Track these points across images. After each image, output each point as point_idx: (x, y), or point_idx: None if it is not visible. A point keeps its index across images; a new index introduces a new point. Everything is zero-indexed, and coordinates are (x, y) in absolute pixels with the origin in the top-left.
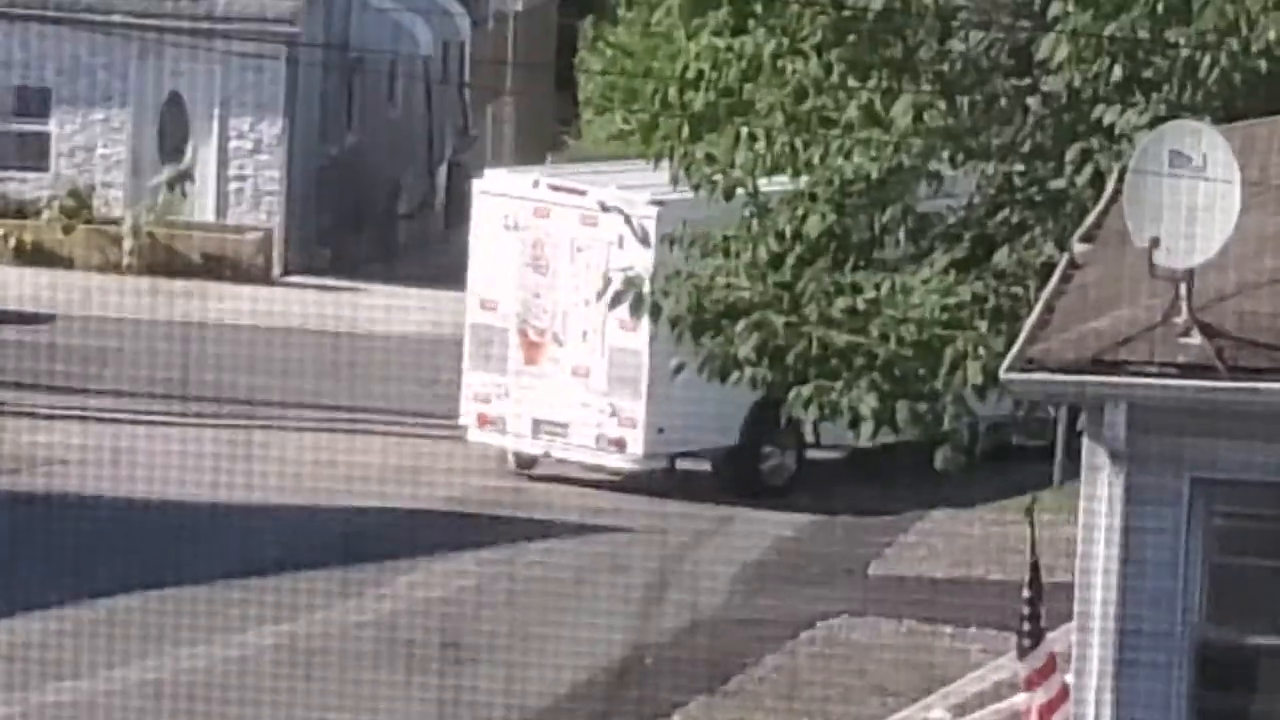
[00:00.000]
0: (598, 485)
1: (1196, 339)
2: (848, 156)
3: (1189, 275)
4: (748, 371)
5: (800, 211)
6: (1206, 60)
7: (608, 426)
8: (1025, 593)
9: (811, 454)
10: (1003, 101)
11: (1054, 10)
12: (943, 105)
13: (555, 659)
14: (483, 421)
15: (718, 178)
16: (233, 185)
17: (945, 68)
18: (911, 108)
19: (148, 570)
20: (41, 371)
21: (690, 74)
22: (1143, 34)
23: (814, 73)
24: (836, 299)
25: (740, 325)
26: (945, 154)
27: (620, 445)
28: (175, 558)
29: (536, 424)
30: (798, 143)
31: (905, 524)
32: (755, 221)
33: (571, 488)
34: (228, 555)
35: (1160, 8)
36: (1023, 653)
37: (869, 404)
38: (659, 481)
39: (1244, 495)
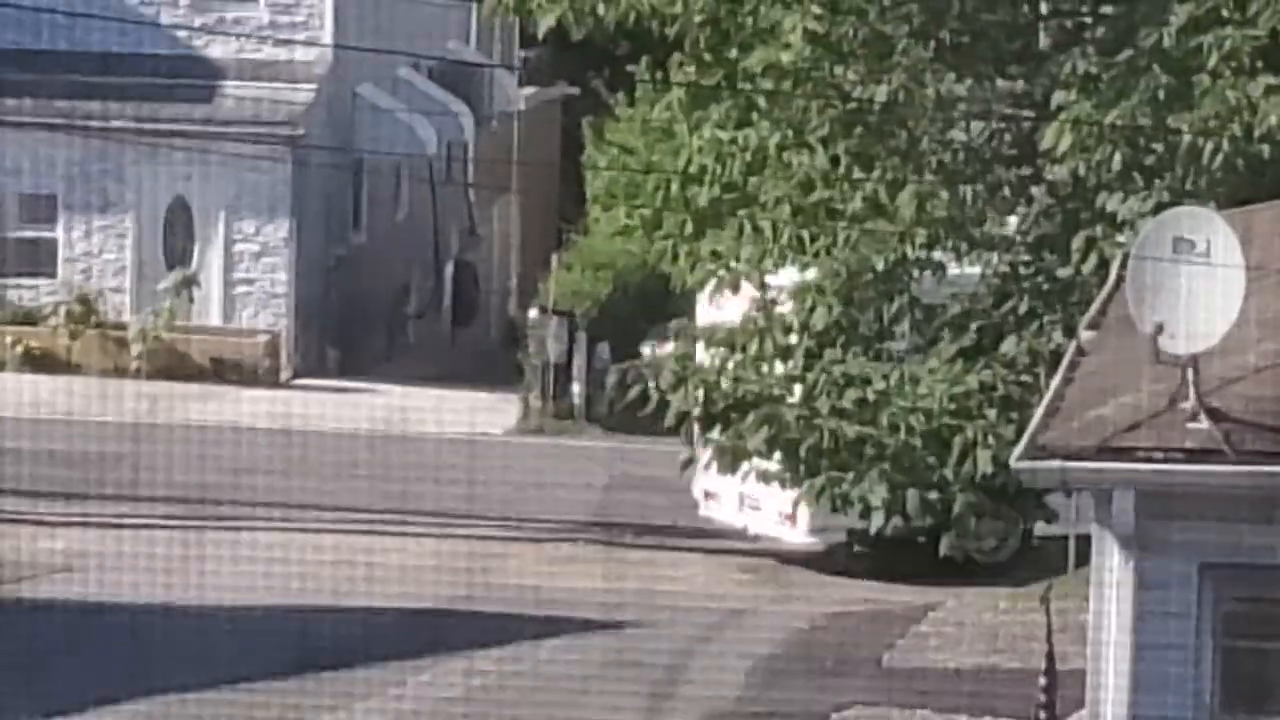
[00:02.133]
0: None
1: (1204, 424)
2: (854, 248)
3: (1195, 361)
4: (759, 464)
5: (808, 304)
6: (1209, 146)
7: (784, 501)
8: (1041, 681)
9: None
10: (1006, 191)
11: (1056, 99)
12: (946, 195)
13: None
14: (708, 496)
15: (722, 273)
16: (239, 288)
17: (948, 158)
18: (916, 198)
19: (157, 676)
20: (51, 477)
21: (693, 169)
22: (1145, 121)
23: (820, 165)
24: (846, 390)
25: (750, 418)
26: (950, 244)
27: (792, 520)
28: (183, 663)
29: (741, 498)
30: (804, 235)
31: (919, 613)
32: (761, 315)
33: (580, 582)
34: (235, 658)
35: (1162, 94)
36: None
37: (880, 494)
38: (836, 559)
39: (1254, 579)
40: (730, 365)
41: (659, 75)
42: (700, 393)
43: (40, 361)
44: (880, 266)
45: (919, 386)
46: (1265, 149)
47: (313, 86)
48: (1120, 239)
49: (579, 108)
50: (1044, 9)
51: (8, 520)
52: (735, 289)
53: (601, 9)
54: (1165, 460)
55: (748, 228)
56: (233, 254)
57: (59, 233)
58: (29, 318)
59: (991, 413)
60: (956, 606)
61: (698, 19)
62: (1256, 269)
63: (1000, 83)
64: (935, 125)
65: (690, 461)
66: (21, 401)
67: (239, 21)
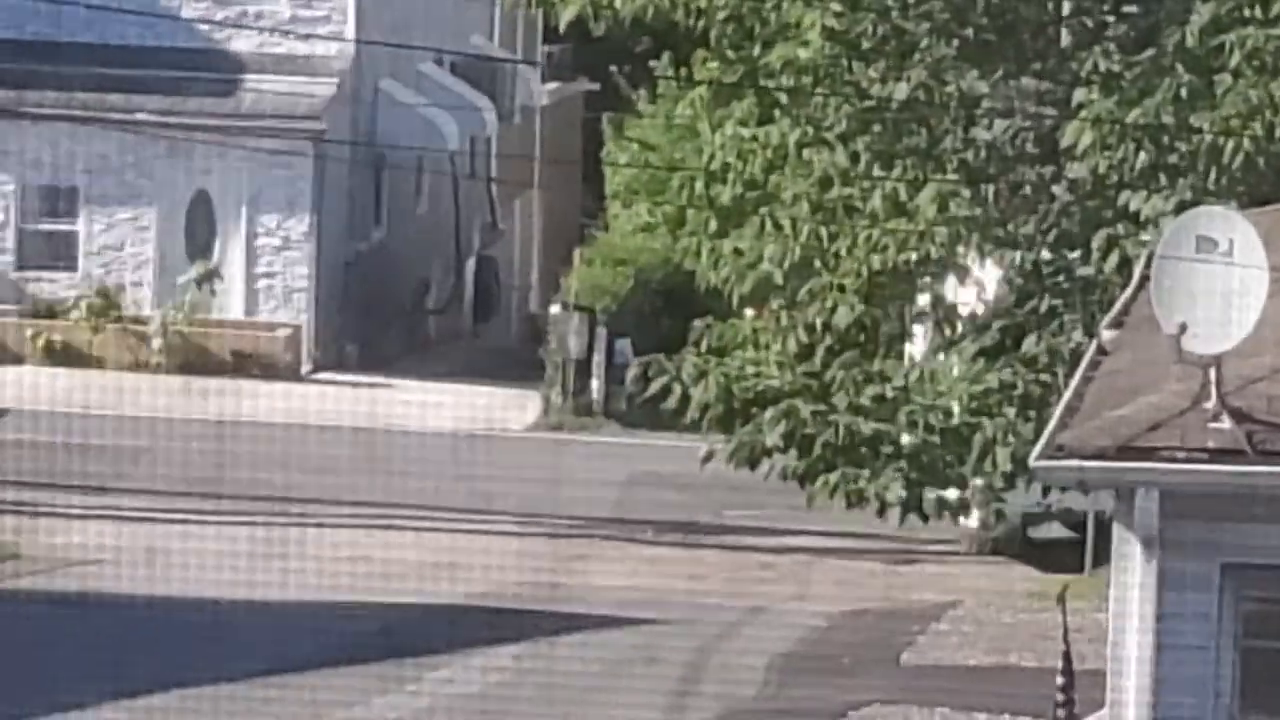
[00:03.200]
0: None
1: (1226, 424)
2: (875, 248)
3: (1217, 361)
4: (778, 460)
5: (829, 304)
6: (1231, 145)
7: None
8: (1059, 680)
9: None
10: (1028, 189)
11: (1078, 97)
12: (968, 194)
13: None
14: None
15: (747, 273)
16: (261, 282)
17: (970, 156)
18: (937, 197)
19: (180, 670)
20: (73, 471)
21: (715, 165)
22: (1167, 119)
23: (840, 162)
24: (865, 387)
25: (769, 413)
26: (972, 243)
27: (964, 509)
28: (206, 657)
29: None
30: (824, 233)
31: (938, 611)
32: (785, 314)
33: (599, 579)
34: (257, 653)
35: (1184, 93)
36: None
37: (896, 491)
38: (1007, 548)
39: (1276, 580)
40: (750, 364)
41: (681, 72)
42: (722, 387)
43: (61, 355)
44: (903, 266)
45: (938, 384)
46: None
47: (334, 81)
48: (1143, 238)
49: (601, 103)
50: (1066, 7)
51: (29, 513)
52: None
53: (620, 2)
54: (1187, 460)
55: (769, 225)
56: (254, 248)
57: (81, 226)
58: (50, 311)
59: (1010, 411)
60: (975, 605)
61: (720, 15)
62: (1278, 269)
63: (1023, 80)
64: (957, 123)
65: (710, 457)
66: (42, 395)
67: (261, 16)
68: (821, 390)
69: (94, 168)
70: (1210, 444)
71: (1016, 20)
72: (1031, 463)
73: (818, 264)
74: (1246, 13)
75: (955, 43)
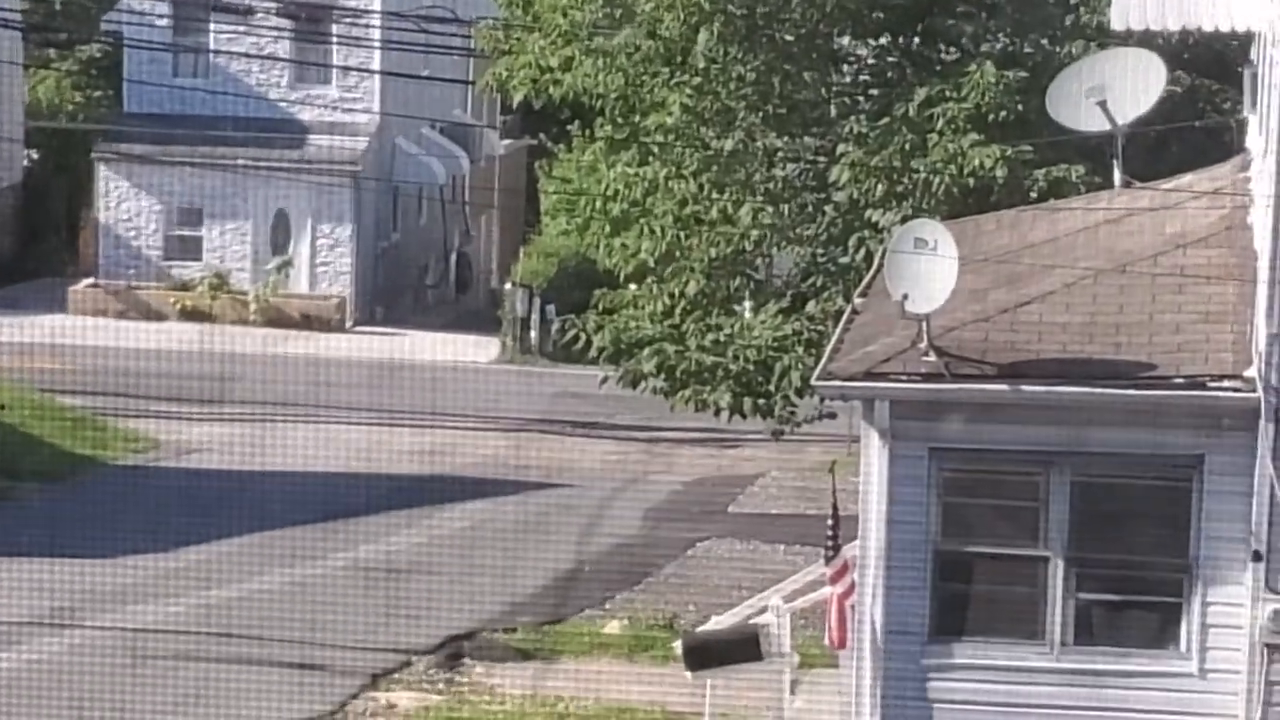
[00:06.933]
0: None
1: (932, 357)
2: (712, 244)
3: (926, 318)
4: (650, 382)
5: (684, 279)
6: (937, 180)
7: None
8: (829, 521)
9: None
10: (809, 208)
11: (840, 149)
12: (771, 210)
13: (530, 566)
14: None
15: (631, 261)
16: (320, 268)
17: (772, 186)
18: (751, 211)
19: (264, 518)
20: (194, 389)
21: (610, 191)
22: (896, 164)
23: (691, 189)
24: (707, 335)
25: (645, 351)
26: (773, 242)
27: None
28: (280, 509)
29: None
30: (680, 235)
31: (754, 478)
32: (655, 286)
33: (534, 458)
34: (314, 506)
35: (908, 146)
36: (828, 560)
37: (725, 400)
38: None
39: (961, 457)
40: (634, 319)
41: (588, 132)
42: (614, 334)
43: (191, 314)
44: (728, 255)
45: (753, 332)
46: (970, 182)
47: (366, 138)
48: (881, 239)
49: (537, 153)
50: (834, 90)
51: (168, 417)
52: None
53: (552, 89)
54: (908, 381)
55: (645, 230)
56: (315, 246)
57: (204, 232)
58: (185, 286)
59: (800, 350)
60: (780, 475)
61: (613, 95)
62: (964, 258)
63: (805, 138)
64: (763, 165)
65: (605, 380)
66: (179, 341)
67: (319, 95)
68: (679, 337)
69: (212, 195)
70: (922, 370)
71: (800, 100)
72: (813, 383)
73: (676, 254)
74: (947, 93)
75: (761, 114)
